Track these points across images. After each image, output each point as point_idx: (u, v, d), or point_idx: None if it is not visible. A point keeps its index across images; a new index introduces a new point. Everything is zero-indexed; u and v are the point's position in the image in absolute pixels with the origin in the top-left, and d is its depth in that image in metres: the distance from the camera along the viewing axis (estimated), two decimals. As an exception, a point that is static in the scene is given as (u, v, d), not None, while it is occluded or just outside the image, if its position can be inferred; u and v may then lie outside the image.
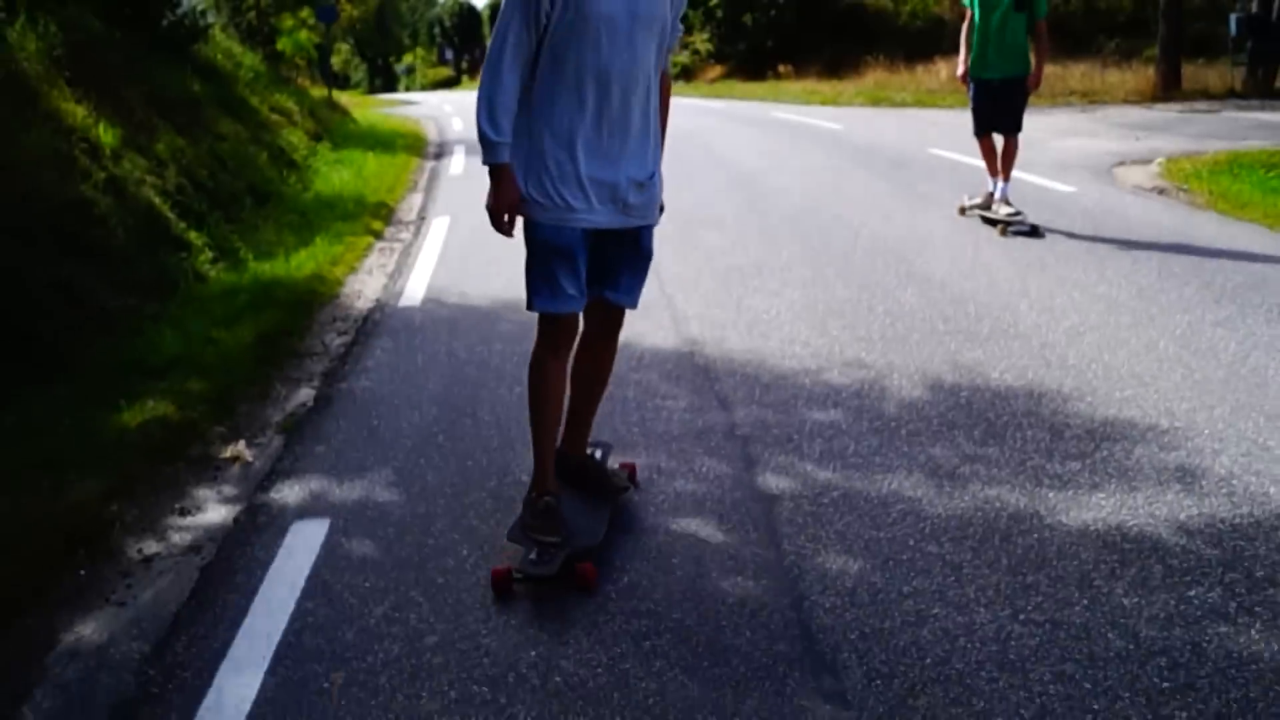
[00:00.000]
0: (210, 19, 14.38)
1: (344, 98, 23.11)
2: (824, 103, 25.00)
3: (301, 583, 3.52)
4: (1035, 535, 3.59)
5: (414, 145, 16.97)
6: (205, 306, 7.20)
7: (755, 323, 6.14)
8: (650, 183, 3.40)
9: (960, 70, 8.59)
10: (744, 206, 10.11)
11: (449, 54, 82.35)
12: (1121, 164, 12.08)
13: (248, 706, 2.92)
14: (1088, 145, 13.69)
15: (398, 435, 4.79)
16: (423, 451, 4.55)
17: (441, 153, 16.78)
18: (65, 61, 9.62)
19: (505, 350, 5.82)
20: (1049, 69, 9.15)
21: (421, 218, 10.59)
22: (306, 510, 4.05)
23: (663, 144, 3.47)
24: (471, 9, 77.69)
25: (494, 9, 54.12)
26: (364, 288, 7.78)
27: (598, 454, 3.99)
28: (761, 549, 3.59)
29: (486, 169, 3.30)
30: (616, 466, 3.98)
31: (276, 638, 3.22)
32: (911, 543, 3.58)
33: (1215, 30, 23.44)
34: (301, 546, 3.76)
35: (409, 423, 4.93)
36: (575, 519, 3.50)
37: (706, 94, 32.89)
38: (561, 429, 3.74)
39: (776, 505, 3.89)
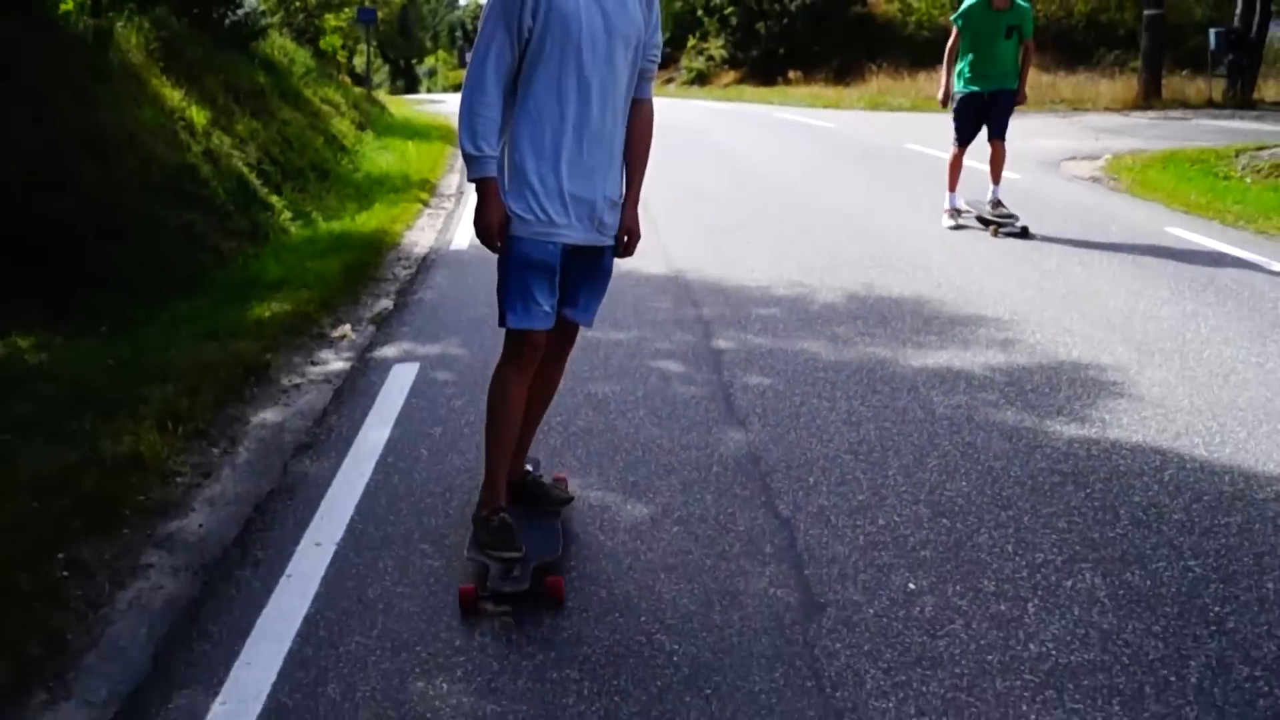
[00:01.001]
0: (269, 19, 16.17)
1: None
2: (826, 106, 26.84)
3: (407, 390, 5.37)
4: (892, 370, 5.45)
5: (447, 136, 18.86)
6: (293, 249, 9.08)
7: (727, 260, 8.02)
8: (619, 203, 3.44)
9: (941, 95, 9.14)
10: (734, 184, 12.03)
11: (468, 57, 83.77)
12: (1071, 159, 13.87)
13: (382, 445, 4.76)
14: (1049, 144, 15.48)
15: (459, 321, 6.67)
16: (478, 329, 6.40)
17: (473, 142, 18.67)
18: (158, 54, 11.48)
19: None
20: (1044, 78, 9.77)
21: (461, 192, 12.48)
22: (402, 359, 5.91)
23: (642, 172, 3.54)
24: (493, 13, 78.90)
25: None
26: (419, 239, 9.67)
27: (529, 470, 3.96)
28: (710, 375, 5.47)
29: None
30: (550, 480, 3.98)
31: (394, 415, 5.07)
32: (811, 373, 5.43)
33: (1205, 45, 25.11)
34: (403, 377, 5.60)
35: (466, 316, 6.80)
36: (529, 534, 3.47)
37: (719, 98, 34.80)
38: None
39: (723, 355, 5.77)
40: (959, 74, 8.85)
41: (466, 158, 3.23)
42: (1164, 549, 3.55)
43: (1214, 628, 3.09)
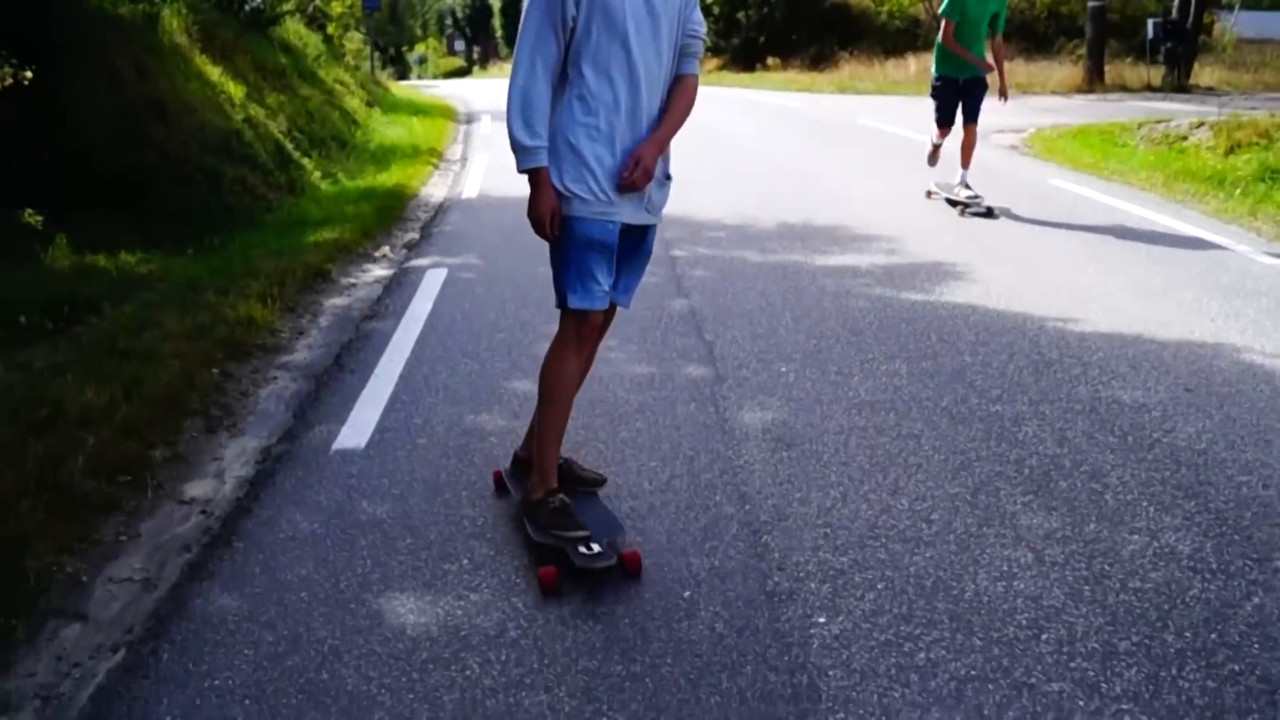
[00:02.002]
0: (285, 5, 17.96)
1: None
2: (799, 90, 28.72)
3: (440, 283, 7.21)
4: (800, 268, 7.31)
5: (447, 114, 20.70)
6: (328, 199, 10.93)
7: (689, 201, 9.86)
8: (668, 181, 3.51)
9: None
10: (701, 149, 13.89)
11: (458, 45, 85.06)
12: (1000, 132, 15.72)
13: (427, 313, 6.58)
14: (987, 120, 17.10)
15: (474, 244, 8.50)
16: (490, 249, 8.23)
17: (471, 119, 20.52)
18: (196, 36, 13.23)
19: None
20: (1004, 64, 9.68)
21: (465, 158, 14.33)
22: (433, 267, 7.73)
23: (673, 127, 3.48)
24: (484, 1, 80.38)
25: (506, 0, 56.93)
26: (434, 192, 11.52)
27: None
28: (667, 271, 7.30)
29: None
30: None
31: (433, 297, 6.90)
32: (740, 268, 7.29)
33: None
34: (435, 277, 7.40)
35: (480, 242, 8.64)
36: (583, 514, 3.49)
37: (701, 83, 36.59)
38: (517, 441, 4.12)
39: (677, 259, 7.63)
40: (935, 61, 9.35)
41: (518, 148, 3.27)
42: (950, 352, 5.45)
43: (969, 383, 4.99)
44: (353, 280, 7.52)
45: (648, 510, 3.83)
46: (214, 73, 12.32)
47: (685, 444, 4.43)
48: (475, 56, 79.58)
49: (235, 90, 12.37)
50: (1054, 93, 24.51)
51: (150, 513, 4.04)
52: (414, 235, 9.06)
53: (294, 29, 18.79)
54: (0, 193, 7.78)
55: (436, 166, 13.51)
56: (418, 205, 10.58)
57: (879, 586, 3.31)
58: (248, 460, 4.51)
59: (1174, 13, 25.63)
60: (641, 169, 3.31)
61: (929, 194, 9.75)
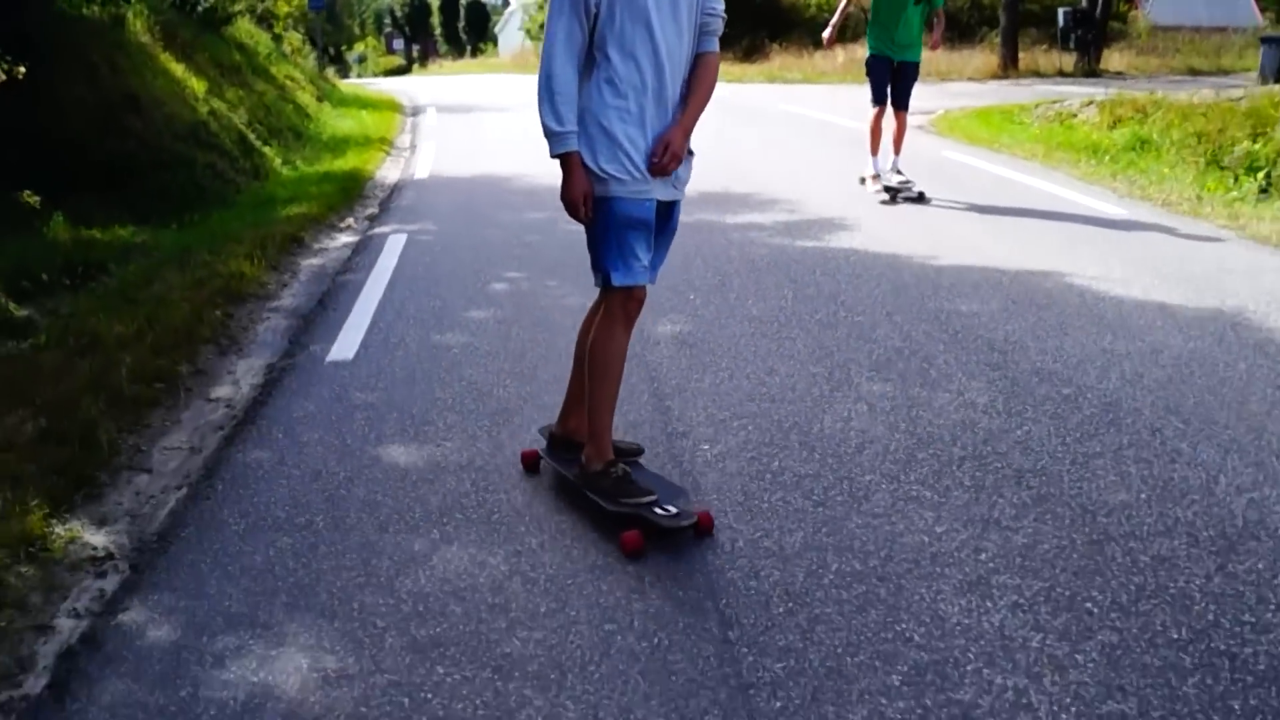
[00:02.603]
0: (236, 5, 18.91)
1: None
2: (730, 80, 29.85)
3: (401, 245, 8.29)
4: (712, 224, 8.45)
5: (394, 107, 21.71)
6: (291, 182, 11.98)
7: (620, 176, 11.08)
8: (691, 156, 3.63)
9: (828, 34, 9.85)
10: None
11: (396, 44, 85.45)
12: (910, 114, 17.00)
13: (393, 268, 7.65)
14: (902, 104, 18.67)
15: (429, 214, 9.58)
16: (445, 218, 9.32)
17: (417, 111, 21.54)
18: (158, 35, 14.18)
19: (481, 190, 10.71)
20: (924, 54, 10.06)
21: (414, 145, 15.39)
22: (394, 233, 8.81)
23: (698, 109, 3.61)
24: None
25: (444, -3, 57.59)
26: (388, 174, 12.59)
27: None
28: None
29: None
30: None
31: (396, 255, 7.97)
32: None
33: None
34: (396, 240, 8.43)
35: (436, 213, 9.71)
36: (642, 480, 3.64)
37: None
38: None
39: None
40: (868, 37, 9.31)
41: (550, 134, 3.37)
42: (829, 282, 6.63)
43: (841, 302, 6.20)
44: (324, 245, 8.60)
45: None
46: (178, 69, 13.27)
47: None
48: (415, 55, 79.99)
49: (198, 85, 13.34)
50: (970, 79, 25.90)
51: (185, 407, 5.14)
52: (374, 210, 10.14)
53: (245, 28, 19.72)
54: (1, 177, 8.76)
55: (388, 153, 14.55)
56: (375, 185, 11.65)
57: (749, 428, 4.49)
58: (257, 372, 5.62)
59: (1084, 2, 27.16)
60: (671, 153, 3.46)
61: (863, 180, 9.81)
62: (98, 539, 3.79)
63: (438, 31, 75.78)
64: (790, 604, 3.16)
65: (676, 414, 4.64)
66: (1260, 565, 3.30)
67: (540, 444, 4.10)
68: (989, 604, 3.12)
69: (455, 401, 4.92)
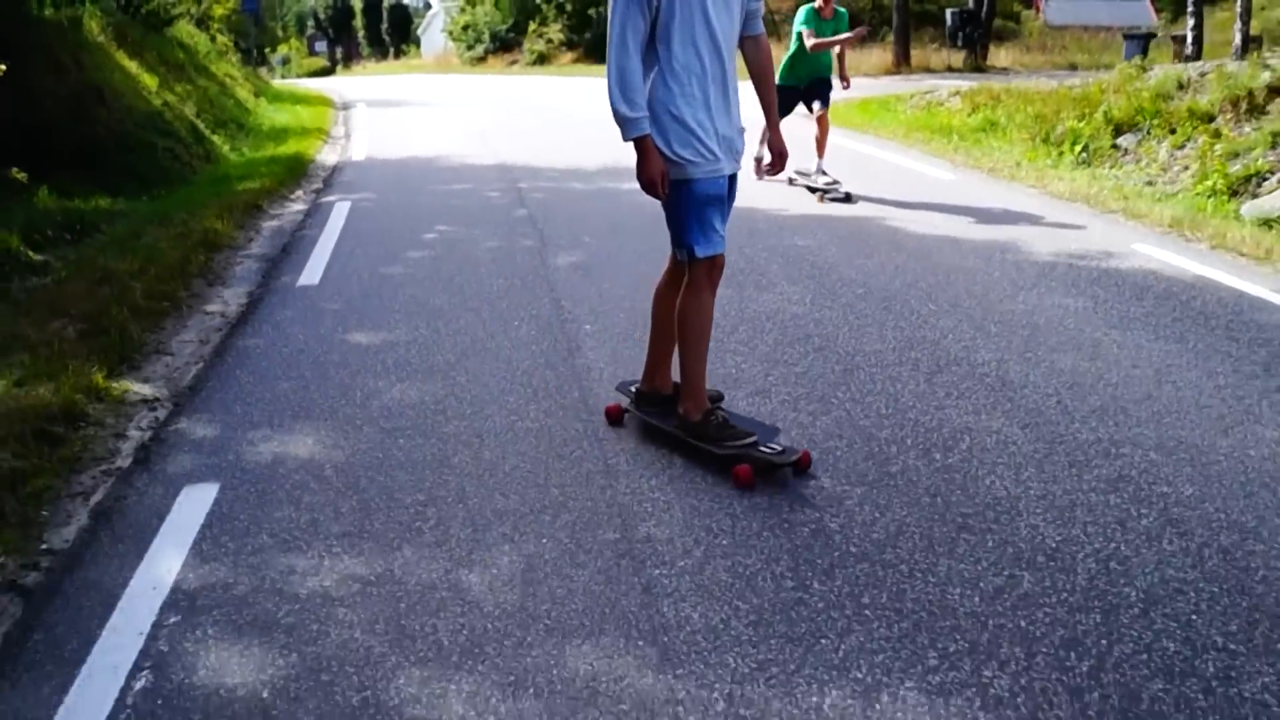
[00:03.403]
0: (177, 9, 20.24)
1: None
2: (643, 78, 31.71)
3: (347, 209, 9.85)
4: (608, 191, 10.08)
5: (325, 102, 23.13)
6: (241, 165, 13.45)
7: (538, 158, 12.61)
8: (743, 132, 3.87)
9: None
10: (550, 123, 16.77)
11: (319, 46, 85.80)
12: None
13: (342, 225, 9.23)
14: (796, 96, 20.49)
15: (367, 187, 11.12)
16: (383, 190, 10.87)
17: (347, 106, 22.99)
18: (111, 35, 15.53)
19: (412, 168, 12.30)
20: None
21: (349, 134, 16.88)
22: (339, 200, 10.37)
23: (774, 100, 4.04)
24: (345, 2, 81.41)
25: (367, 0, 58.56)
26: (328, 157, 14.10)
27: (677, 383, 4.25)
28: (514, 196, 10.02)
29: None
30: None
31: (345, 215, 9.54)
32: (567, 192, 10.04)
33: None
34: (342, 206, 10.00)
35: (374, 186, 11.26)
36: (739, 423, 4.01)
37: (555, 74, 39.46)
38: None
39: (523, 190, 10.38)
40: (780, 72, 9.51)
41: (624, 120, 3.61)
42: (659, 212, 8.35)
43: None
44: (279, 211, 10.12)
45: (500, 294, 6.61)
46: (131, 65, 14.64)
47: (519, 272, 7.22)
48: (338, 57, 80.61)
49: (150, 80, 14.72)
50: (866, 75, 27.77)
51: (189, 317, 6.66)
52: (319, 185, 11.66)
53: (186, 29, 21.03)
54: (-9, 157, 10.17)
55: (325, 141, 16.04)
56: (317, 166, 13.16)
57: (620, 316, 6.10)
58: (241, 295, 7.15)
59: (970, 3, 29.26)
60: (781, 160, 4.09)
61: (791, 181, 10.14)
62: (145, 390, 5.32)
63: (361, 33, 76.52)
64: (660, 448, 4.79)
65: (569, 309, 6.27)
66: (957, 379, 5.00)
67: (621, 400, 4.51)
68: (768, 402, 4.79)
69: (401, 307, 6.50)
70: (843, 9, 9.77)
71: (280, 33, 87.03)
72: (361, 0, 75.74)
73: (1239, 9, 18.65)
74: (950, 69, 28.29)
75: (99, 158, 11.56)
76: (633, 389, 4.42)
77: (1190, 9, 20.34)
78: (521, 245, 7.96)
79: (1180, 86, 12.67)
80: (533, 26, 46.56)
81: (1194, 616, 3.05)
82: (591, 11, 43.12)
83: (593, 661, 2.94)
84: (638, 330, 5.72)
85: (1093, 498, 3.78)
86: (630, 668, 2.91)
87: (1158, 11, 44.91)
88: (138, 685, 2.92)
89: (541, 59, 45.39)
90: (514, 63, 46.33)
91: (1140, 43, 22.96)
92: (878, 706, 2.70)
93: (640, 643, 3.01)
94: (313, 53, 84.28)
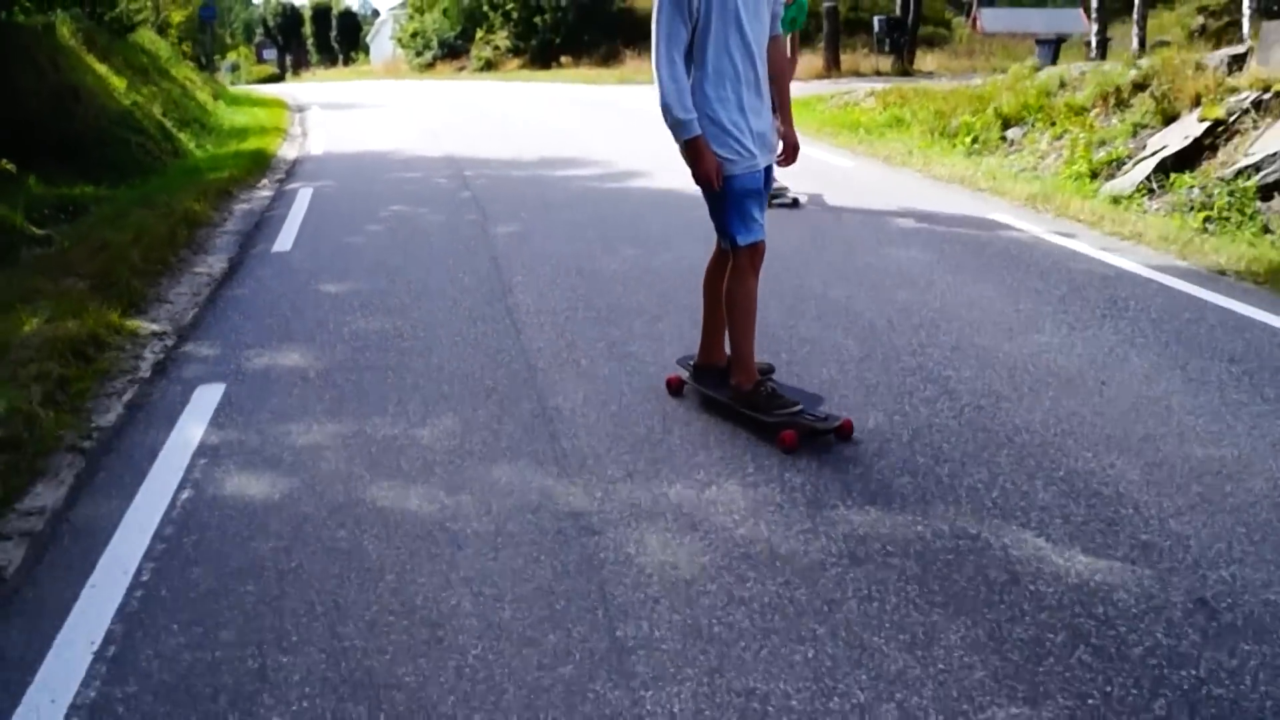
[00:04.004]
0: (139, 16, 21.29)
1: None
2: (586, 83, 32.92)
3: (310, 195, 11.05)
4: (544, 177, 11.42)
5: (281, 105, 24.21)
6: (207, 159, 14.59)
7: (482, 151, 13.86)
8: (775, 126, 4.23)
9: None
10: (496, 123, 18.01)
11: (268, 53, 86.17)
12: (733, 105, 20.21)
13: (306, 206, 10.36)
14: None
15: (330, 175, 12.27)
16: (341, 178, 12.04)
17: (303, 109, 24.06)
18: (81, 40, 16.60)
19: (367, 161, 13.49)
20: None
21: (306, 133, 18.02)
22: (302, 188, 11.54)
23: (789, 95, 4.52)
24: (294, 9, 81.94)
25: (316, 7, 59.48)
26: (288, 152, 15.23)
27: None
28: (459, 181, 11.26)
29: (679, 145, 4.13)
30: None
31: (308, 200, 10.70)
32: (506, 177, 11.28)
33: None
34: (305, 192, 11.15)
35: (334, 175, 12.43)
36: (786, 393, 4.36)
37: (501, 79, 40.69)
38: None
39: (467, 176, 11.63)
40: None
41: (679, 123, 3.93)
42: (623, 203, 9.54)
43: (622, 213, 9.22)
44: (248, 196, 11.28)
45: (447, 254, 7.85)
46: (101, 68, 15.70)
47: (463, 239, 8.44)
48: (288, 64, 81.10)
49: (119, 82, 15.79)
50: (797, 79, 28.80)
51: (181, 275, 7.81)
52: (282, 175, 12.80)
53: (148, 36, 22.07)
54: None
55: (284, 138, 17.17)
56: (279, 160, 14.30)
57: (549, 268, 7.32)
58: (223, 260, 8.30)
59: (897, 10, 30.83)
60: (795, 150, 4.43)
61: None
62: (153, 326, 6.48)
63: (310, 40, 77.13)
64: (558, 331, 6.07)
65: (504, 265, 7.50)
66: (812, 308, 6.29)
67: (681, 372, 4.86)
68: (660, 339, 6.06)
69: (363, 266, 7.71)
70: None
71: (229, 39, 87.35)
72: (311, 7, 76.23)
73: (1136, 15, 20.21)
74: (879, 73, 29.72)
75: (78, 151, 12.63)
76: (690, 363, 4.79)
77: (1094, 15, 21.86)
78: (466, 219, 9.18)
79: (1062, 85, 14.10)
80: (480, 34, 47.76)
81: (945, 445, 4.34)
82: (537, 20, 44.34)
83: (513, 477, 4.15)
84: (559, 277, 6.99)
85: (893, 380, 5.06)
86: (541, 477, 4.13)
87: (1090, 19, 46.62)
88: (183, 497, 4.09)
89: (489, 65, 46.57)
90: (462, 69, 47.53)
91: (1051, 48, 24.49)
92: (707, 495, 3.96)
93: (549, 465, 4.24)
94: (261, 60, 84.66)
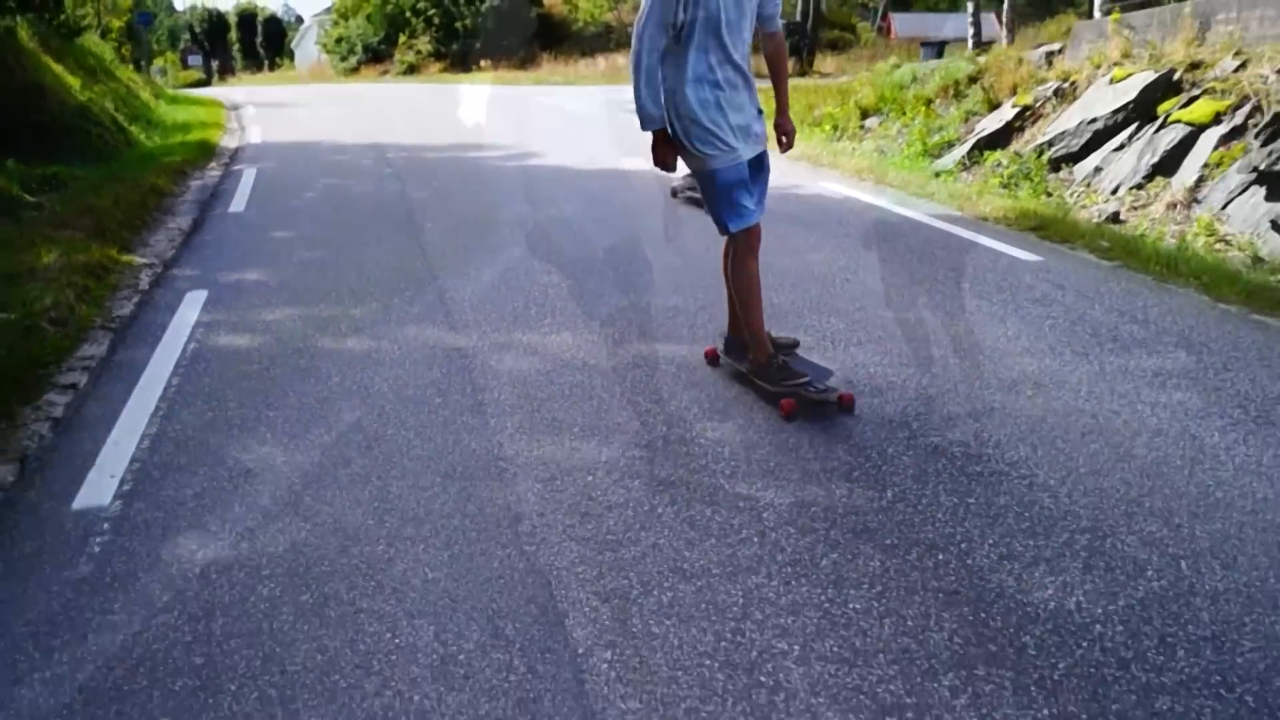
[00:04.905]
0: (84, 22, 22.95)
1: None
2: (504, 84, 34.83)
3: (255, 173, 12.94)
4: (457, 158, 13.42)
5: (217, 104, 25.90)
6: (159, 148, 16.42)
7: (404, 138, 15.82)
8: (761, 115, 4.47)
9: None
10: (415, 117, 19.97)
11: (193, 59, 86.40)
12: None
13: (252, 182, 12.26)
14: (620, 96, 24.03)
15: (270, 159, 14.11)
16: (281, 160, 13.89)
17: (237, 107, 25.78)
18: (37, 43, 18.30)
19: (301, 148, 15.38)
20: None
21: (244, 127, 19.82)
22: (247, 169, 13.41)
23: (786, 86, 4.74)
24: (219, 15, 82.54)
25: (241, 13, 60.74)
26: (230, 142, 17.05)
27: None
28: (385, 167, 13.17)
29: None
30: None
31: (254, 175, 12.59)
32: (428, 160, 13.24)
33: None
34: (249, 172, 13.00)
35: (273, 159, 14.31)
36: (800, 367, 4.63)
37: (424, 82, 42.45)
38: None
39: (389, 158, 13.70)
40: None
41: (649, 117, 4.25)
42: (529, 182, 11.59)
43: (524, 185, 11.30)
44: (200, 175, 13.12)
45: (372, 210, 9.85)
46: (57, 68, 17.39)
47: (385, 200, 10.39)
48: (214, 69, 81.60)
49: (74, 81, 17.46)
50: (704, 81, 31.34)
51: (157, 230, 9.67)
52: (227, 159, 14.65)
53: (93, 40, 23.73)
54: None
55: (225, 131, 18.92)
56: (223, 148, 16.11)
57: (457, 216, 9.36)
58: (189, 220, 10.16)
59: (797, 15, 33.21)
60: (790, 137, 4.68)
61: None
62: (143, 259, 8.38)
63: (235, 46, 77.92)
64: (485, 302, 8.12)
65: (417, 216, 9.47)
66: (655, 252, 8.38)
67: (718, 344, 5.24)
68: (534, 261, 8.14)
69: (303, 220, 9.63)
70: None
71: (154, 45, 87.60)
72: (236, 14, 77.03)
73: (969, 16, 22.64)
74: (759, 74, 31.96)
75: (47, 140, 14.35)
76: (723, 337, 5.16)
77: (970, 18, 24.12)
78: (388, 188, 11.15)
79: (914, 79, 16.36)
80: (403, 38, 49.41)
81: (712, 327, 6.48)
82: (458, 25, 46.25)
83: (418, 332, 6.16)
84: (461, 225, 8.99)
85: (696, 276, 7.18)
86: (437, 331, 6.15)
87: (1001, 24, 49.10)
88: (190, 347, 6.03)
89: (411, 69, 48.16)
90: (385, 72, 49.17)
91: (935, 48, 26.82)
92: (549, 339, 6.05)
93: (443, 326, 6.25)
94: (186, 66, 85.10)
